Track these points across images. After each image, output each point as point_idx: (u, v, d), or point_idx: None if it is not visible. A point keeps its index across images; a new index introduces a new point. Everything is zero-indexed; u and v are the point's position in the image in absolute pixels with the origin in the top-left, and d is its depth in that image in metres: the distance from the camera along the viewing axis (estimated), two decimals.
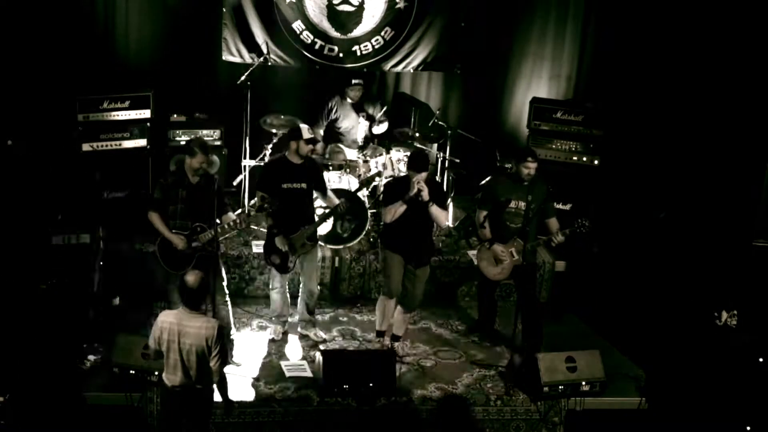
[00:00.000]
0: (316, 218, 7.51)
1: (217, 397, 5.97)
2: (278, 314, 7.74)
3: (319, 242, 8.37)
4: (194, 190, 7.02)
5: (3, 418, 6.22)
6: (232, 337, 7.31)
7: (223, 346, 5.72)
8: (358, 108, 9.17)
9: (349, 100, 9.13)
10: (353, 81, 9.08)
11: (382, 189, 8.16)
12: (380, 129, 9.27)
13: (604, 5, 9.89)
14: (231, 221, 7.11)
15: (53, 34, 8.87)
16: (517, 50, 10.15)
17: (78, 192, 8.41)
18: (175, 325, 5.70)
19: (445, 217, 7.36)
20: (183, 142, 8.77)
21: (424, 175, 7.06)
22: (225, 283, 7.45)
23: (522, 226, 7.30)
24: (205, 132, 8.81)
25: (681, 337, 7.66)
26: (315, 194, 7.57)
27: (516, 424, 7.13)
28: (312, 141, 7.26)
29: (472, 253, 8.59)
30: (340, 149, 9.12)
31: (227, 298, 7.43)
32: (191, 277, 5.70)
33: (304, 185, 7.33)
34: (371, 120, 9.27)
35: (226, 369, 5.97)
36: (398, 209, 7.11)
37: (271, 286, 7.66)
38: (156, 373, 6.16)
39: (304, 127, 7.31)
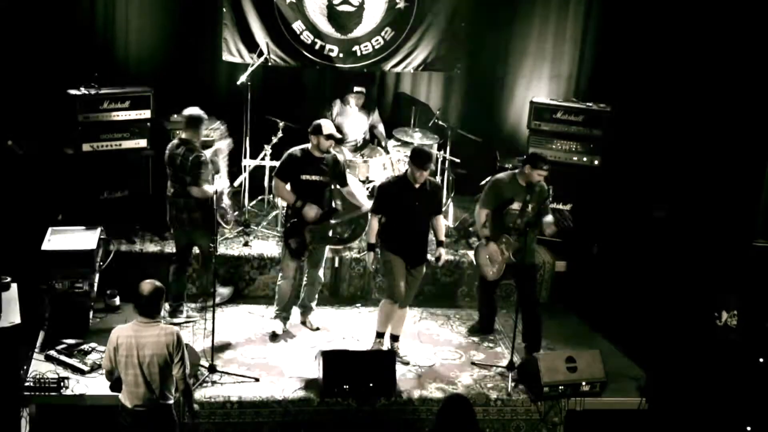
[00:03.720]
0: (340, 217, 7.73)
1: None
2: (282, 308, 7.79)
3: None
4: None
5: None
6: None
7: (183, 352, 5.61)
8: (358, 115, 9.22)
9: (349, 109, 9.16)
10: (355, 89, 9.15)
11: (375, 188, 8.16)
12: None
13: (604, 5, 9.89)
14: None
15: (53, 34, 8.86)
16: (517, 50, 10.15)
17: (78, 192, 8.41)
18: (132, 338, 5.55)
19: (445, 229, 7.47)
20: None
21: (427, 172, 7.07)
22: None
23: (523, 227, 7.29)
24: (205, 132, 8.79)
25: (681, 336, 7.65)
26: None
27: (516, 424, 7.13)
28: (332, 137, 7.36)
29: (471, 253, 8.59)
30: (339, 150, 9.14)
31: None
32: (145, 286, 5.57)
33: (324, 178, 7.40)
34: (372, 124, 9.34)
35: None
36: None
37: (281, 275, 7.69)
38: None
39: (326, 122, 7.39)
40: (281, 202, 8.37)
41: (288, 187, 7.48)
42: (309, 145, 7.44)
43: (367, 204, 7.78)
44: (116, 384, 5.73)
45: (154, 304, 5.61)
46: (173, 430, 5.88)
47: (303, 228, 7.42)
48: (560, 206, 8.97)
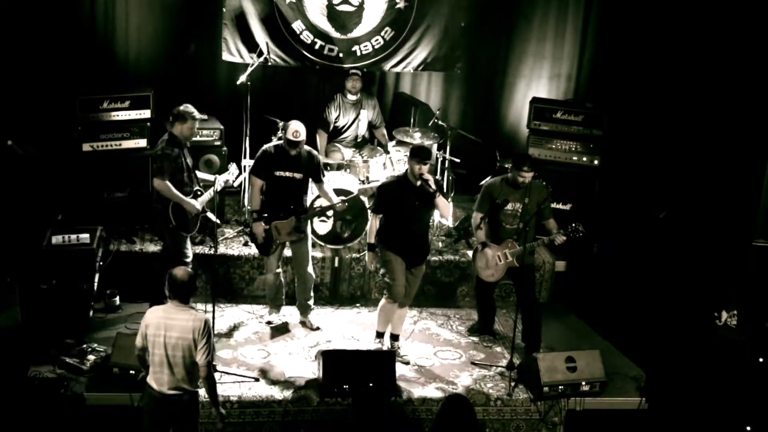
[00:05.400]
0: (310, 211, 7.69)
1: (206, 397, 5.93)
2: (273, 297, 7.90)
3: (320, 243, 8.41)
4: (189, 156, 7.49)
5: None
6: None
7: (210, 341, 5.69)
8: (358, 105, 9.22)
9: (349, 96, 9.16)
10: (351, 72, 9.22)
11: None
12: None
13: (604, 4, 9.89)
14: (224, 180, 7.62)
15: (53, 34, 8.87)
16: (517, 50, 10.15)
17: (78, 192, 8.41)
18: (162, 318, 5.68)
19: (450, 207, 7.38)
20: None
21: (427, 166, 7.07)
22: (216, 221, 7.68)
23: (521, 227, 7.30)
24: (205, 132, 8.80)
25: (681, 336, 7.66)
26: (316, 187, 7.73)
27: (516, 424, 7.13)
28: (289, 142, 7.29)
29: (471, 253, 8.59)
30: (337, 148, 9.17)
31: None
32: (180, 272, 5.70)
33: (298, 175, 7.45)
34: (371, 120, 9.34)
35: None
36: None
37: (265, 269, 7.82)
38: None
39: (293, 124, 7.32)
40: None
41: (258, 184, 7.50)
42: (281, 141, 7.51)
43: (336, 199, 7.75)
44: (145, 367, 5.86)
45: (188, 290, 5.72)
46: (194, 422, 5.95)
47: (269, 224, 7.47)
48: (561, 206, 8.98)
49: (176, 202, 7.27)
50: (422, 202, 7.14)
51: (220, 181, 7.60)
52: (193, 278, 5.77)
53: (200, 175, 7.72)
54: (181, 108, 7.46)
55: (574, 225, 7.18)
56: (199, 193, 7.47)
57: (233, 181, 7.79)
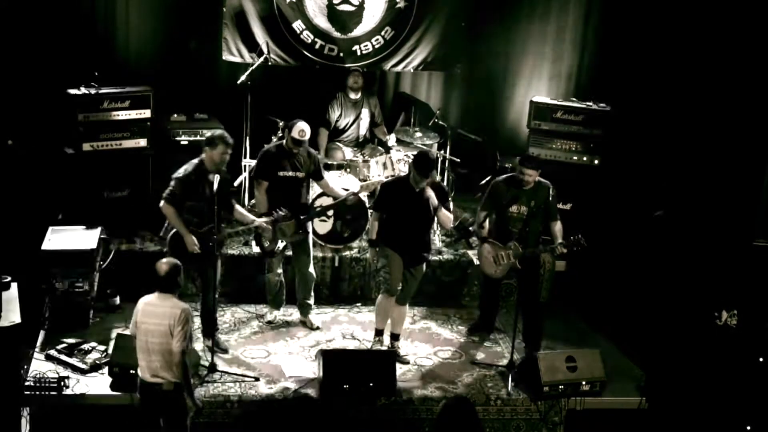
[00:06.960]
0: (312, 210, 7.73)
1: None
2: (274, 297, 7.92)
3: (320, 242, 8.41)
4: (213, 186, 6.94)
5: None
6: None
7: (185, 329, 5.80)
8: (360, 104, 9.22)
9: (351, 95, 9.17)
10: (351, 69, 9.28)
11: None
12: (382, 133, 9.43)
13: (604, 5, 9.89)
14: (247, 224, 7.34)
15: (53, 33, 8.86)
16: (517, 50, 10.15)
17: (78, 192, 8.41)
18: (147, 306, 5.92)
19: (451, 220, 7.38)
20: (184, 142, 8.79)
21: (429, 179, 7.06)
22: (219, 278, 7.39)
23: (523, 228, 7.29)
24: (205, 132, 8.79)
25: (681, 336, 7.65)
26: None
27: (516, 424, 7.13)
28: (296, 142, 7.37)
29: (472, 253, 8.60)
30: (338, 147, 9.17)
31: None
32: (162, 265, 5.93)
33: (300, 174, 7.49)
34: (372, 118, 9.34)
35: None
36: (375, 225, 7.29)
37: (266, 270, 7.85)
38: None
39: (301, 124, 7.40)
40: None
41: (264, 185, 7.52)
42: (282, 141, 7.54)
43: (343, 192, 7.77)
44: None
45: (169, 280, 5.91)
46: (180, 414, 5.99)
47: (273, 226, 7.47)
48: (561, 206, 8.96)
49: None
50: (422, 207, 7.14)
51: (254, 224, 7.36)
52: (175, 269, 5.91)
53: (240, 211, 7.40)
54: (214, 133, 7.15)
55: (576, 237, 7.18)
56: (214, 230, 6.95)
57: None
